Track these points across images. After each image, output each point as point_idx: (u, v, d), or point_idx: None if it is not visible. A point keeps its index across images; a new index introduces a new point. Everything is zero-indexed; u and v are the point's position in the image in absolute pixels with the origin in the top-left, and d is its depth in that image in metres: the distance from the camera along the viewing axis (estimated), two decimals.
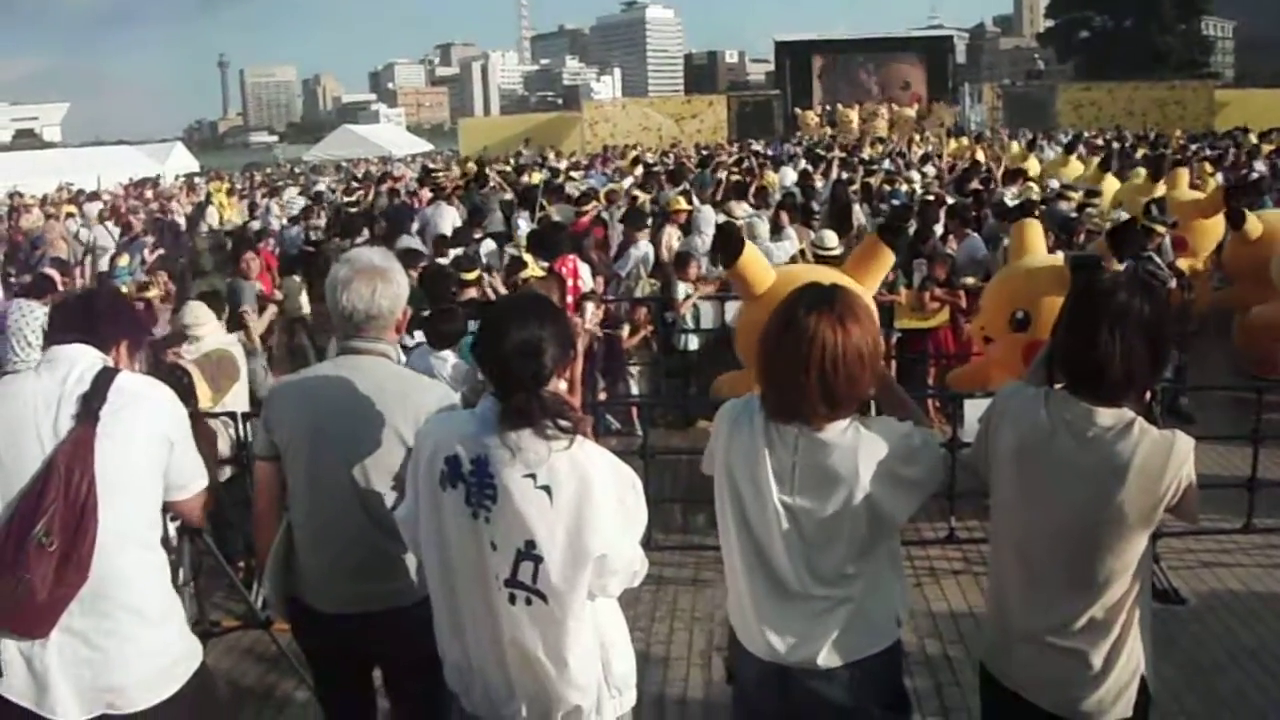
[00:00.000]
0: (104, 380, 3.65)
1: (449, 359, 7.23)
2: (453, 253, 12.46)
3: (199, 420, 5.66)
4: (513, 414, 3.31)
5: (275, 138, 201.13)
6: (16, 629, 3.53)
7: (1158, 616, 6.68)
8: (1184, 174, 16.82)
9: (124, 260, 16.28)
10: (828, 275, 7.98)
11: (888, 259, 8.66)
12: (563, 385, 3.53)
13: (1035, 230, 9.32)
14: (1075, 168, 22.23)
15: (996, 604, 3.75)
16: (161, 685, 3.70)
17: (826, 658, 3.45)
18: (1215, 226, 14.01)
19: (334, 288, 4.16)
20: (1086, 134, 41.08)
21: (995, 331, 8.77)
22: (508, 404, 3.32)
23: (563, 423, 3.28)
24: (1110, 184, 18.70)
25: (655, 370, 12.10)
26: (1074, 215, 13.89)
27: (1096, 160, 21.82)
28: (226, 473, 7.38)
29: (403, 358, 4.24)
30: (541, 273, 10.32)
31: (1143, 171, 18.63)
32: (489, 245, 14.58)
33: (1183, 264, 13.09)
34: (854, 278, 8.05)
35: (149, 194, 35.02)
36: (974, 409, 7.43)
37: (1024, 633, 3.57)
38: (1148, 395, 3.62)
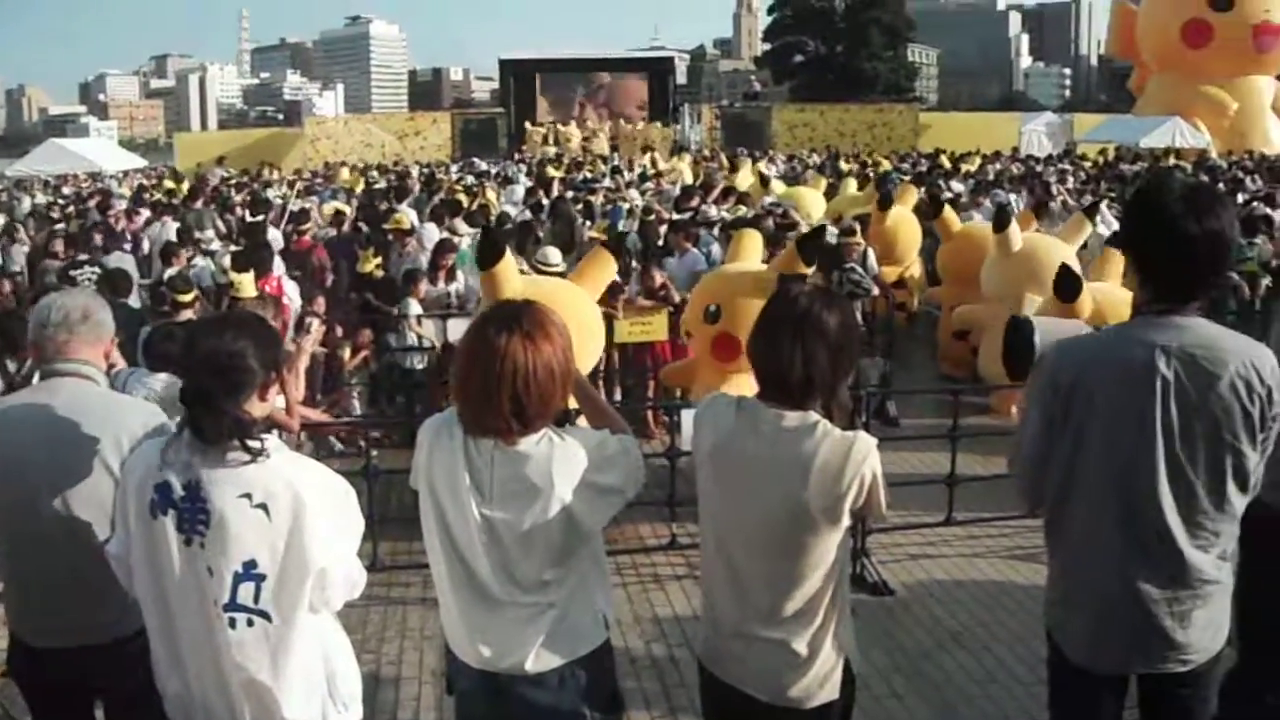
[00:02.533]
0: None
1: (160, 380, 7.05)
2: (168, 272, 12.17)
3: None
4: (209, 432, 3.30)
5: None
6: None
7: (868, 607, 7.15)
8: (912, 189, 17.76)
9: None
10: (566, 286, 8.25)
11: (611, 267, 8.97)
12: (276, 403, 3.54)
13: (753, 239, 10.18)
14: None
15: (708, 602, 3.87)
16: None
17: (534, 663, 3.51)
18: (914, 234, 14.98)
19: (38, 309, 4.08)
20: (800, 154, 42.72)
21: (693, 325, 9.40)
22: (204, 422, 3.31)
23: (252, 443, 3.28)
24: (816, 199, 19.59)
25: (378, 390, 12.06)
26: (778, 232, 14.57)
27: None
28: None
29: (103, 381, 4.11)
30: (254, 293, 10.17)
31: (853, 183, 19.61)
32: (200, 263, 14.23)
33: (892, 272, 13.87)
34: (583, 287, 8.50)
35: None
36: (691, 418, 7.68)
37: (733, 628, 3.70)
38: (850, 399, 3.82)
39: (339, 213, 18.49)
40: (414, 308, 11.74)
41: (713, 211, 17.24)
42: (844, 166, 31.33)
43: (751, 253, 10.06)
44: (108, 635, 3.97)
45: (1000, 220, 12.42)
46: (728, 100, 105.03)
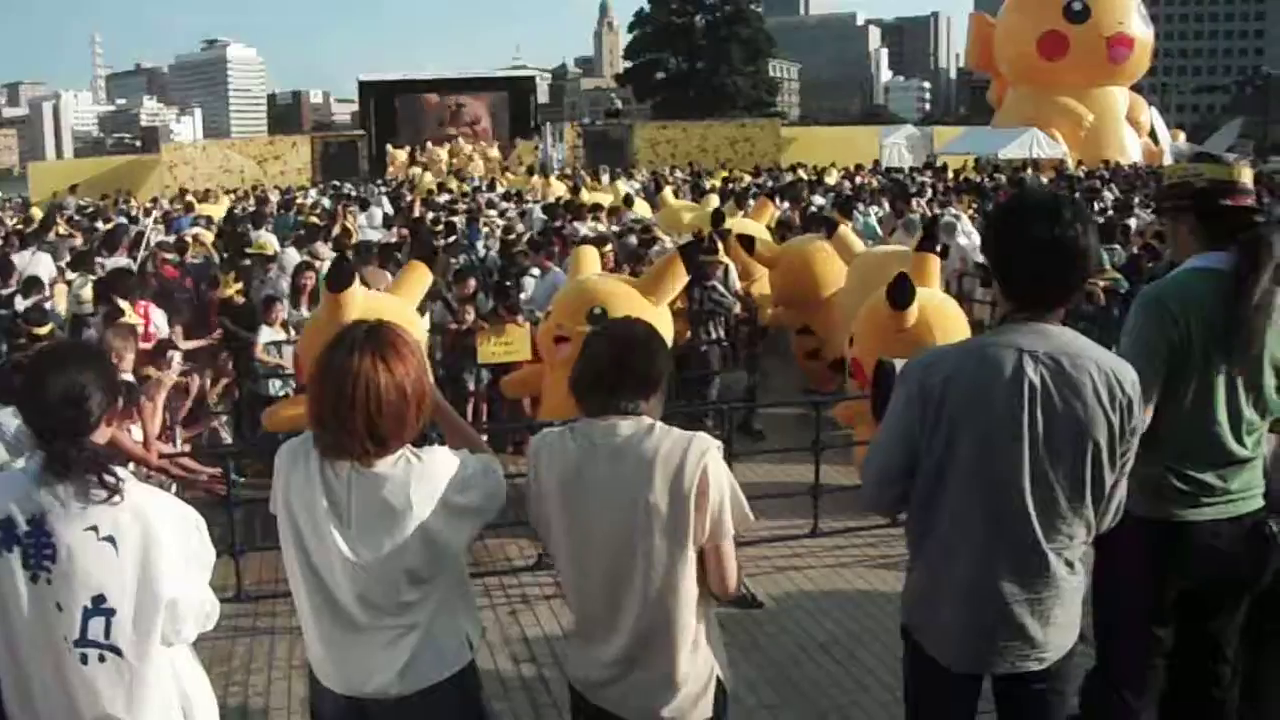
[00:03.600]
0: None
1: (8, 420, 6.83)
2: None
3: None
4: (55, 465, 3.24)
5: None
6: None
7: (737, 620, 7.19)
8: (768, 205, 18.08)
9: None
10: (401, 304, 8.27)
11: (682, 276, 9.75)
12: (126, 432, 3.47)
13: (590, 255, 11.10)
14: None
15: (576, 627, 3.87)
16: None
17: (399, 685, 3.50)
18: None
19: None
20: (662, 170, 42.94)
21: (568, 331, 9.53)
22: (49, 455, 3.25)
23: (107, 477, 3.23)
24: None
25: (240, 417, 11.86)
26: (640, 248, 14.87)
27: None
28: None
29: None
30: (135, 319, 9.98)
31: (715, 200, 19.83)
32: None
33: (754, 289, 14.02)
34: (650, 295, 9.52)
35: None
36: None
37: (600, 651, 3.69)
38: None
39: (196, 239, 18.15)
40: (267, 334, 11.56)
41: (582, 229, 17.30)
42: (707, 184, 31.46)
43: (590, 267, 10.65)
44: None
45: (830, 227, 12.73)
46: (590, 118, 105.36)
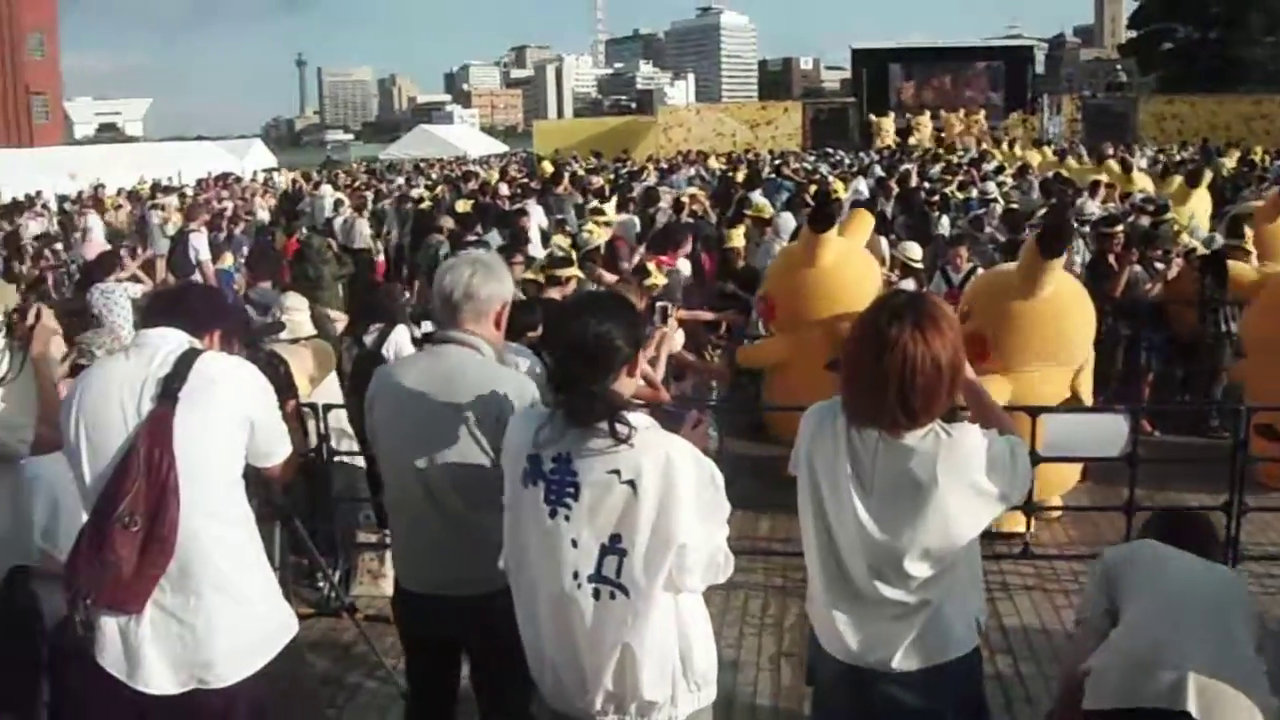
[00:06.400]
0: (185, 362, 3.71)
1: (526, 356, 7.19)
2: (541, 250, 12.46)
3: (290, 406, 5.73)
4: (580, 414, 3.34)
5: (351, 136, 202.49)
6: (110, 605, 3.62)
7: None
8: None
9: (227, 260, 16.42)
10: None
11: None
12: (636, 382, 3.54)
13: (863, 220, 10.11)
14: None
15: None
16: (249, 660, 3.77)
17: (902, 661, 3.46)
18: None
19: (439, 274, 4.29)
20: (1169, 148, 40.46)
21: None
22: (575, 404, 3.36)
23: (620, 426, 3.29)
24: (1200, 200, 17.27)
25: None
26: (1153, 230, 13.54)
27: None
28: None
29: (488, 351, 4.24)
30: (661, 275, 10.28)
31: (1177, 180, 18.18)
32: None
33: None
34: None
35: (236, 189, 35.63)
36: (1054, 423, 7.38)
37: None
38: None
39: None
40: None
41: (1090, 208, 16.29)
42: (1225, 163, 29.16)
43: (860, 233, 9.79)
44: (474, 589, 4.10)
45: None
46: (1089, 91, 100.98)
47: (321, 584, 7.31)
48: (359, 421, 7.09)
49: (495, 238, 14.17)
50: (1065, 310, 8.14)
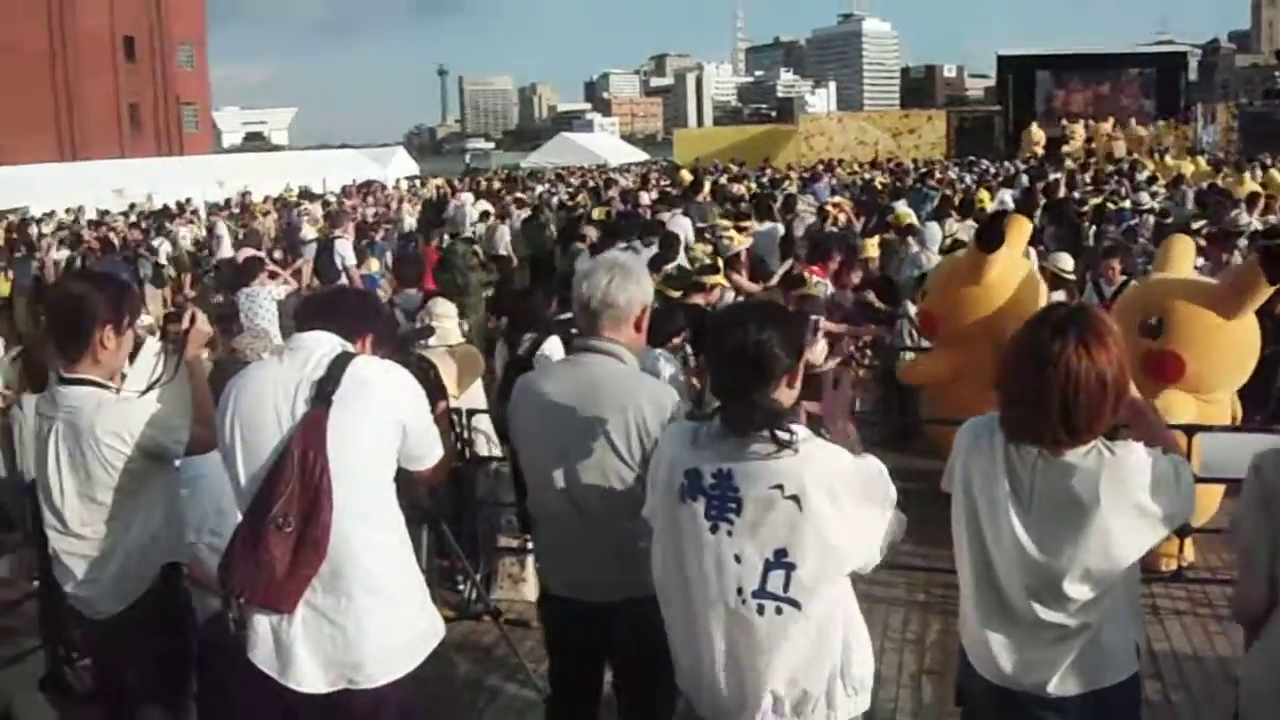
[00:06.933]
0: (339, 365, 3.73)
1: (669, 362, 7.16)
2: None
3: (440, 408, 5.79)
4: (736, 420, 3.31)
5: (491, 145, 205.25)
6: (263, 604, 3.67)
7: None
8: None
9: (372, 266, 16.71)
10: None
11: (1262, 287, 7.69)
12: (794, 394, 3.49)
13: (1184, 245, 8.91)
14: None
15: None
16: (399, 662, 3.80)
17: (1058, 685, 3.37)
18: None
19: (576, 281, 4.27)
20: None
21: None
22: (734, 413, 3.32)
23: (781, 434, 3.24)
24: None
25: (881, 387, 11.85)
26: None
27: None
28: None
29: (629, 359, 4.23)
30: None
31: None
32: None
33: None
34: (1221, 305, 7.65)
35: (380, 196, 36.43)
36: (1211, 442, 7.09)
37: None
38: None
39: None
40: (910, 309, 11.50)
41: (1245, 219, 15.62)
42: None
43: (1182, 260, 8.76)
44: (618, 594, 4.09)
45: None
46: (1246, 98, 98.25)
47: (462, 587, 7.39)
48: (504, 427, 7.18)
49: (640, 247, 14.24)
50: (1252, 333, 7.78)
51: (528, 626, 6.80)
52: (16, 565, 7.51)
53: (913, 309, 11.16)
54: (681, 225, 17.00)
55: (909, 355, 11.09)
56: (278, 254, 18.77)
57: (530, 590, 7.54)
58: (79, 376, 4.27)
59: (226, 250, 21.82)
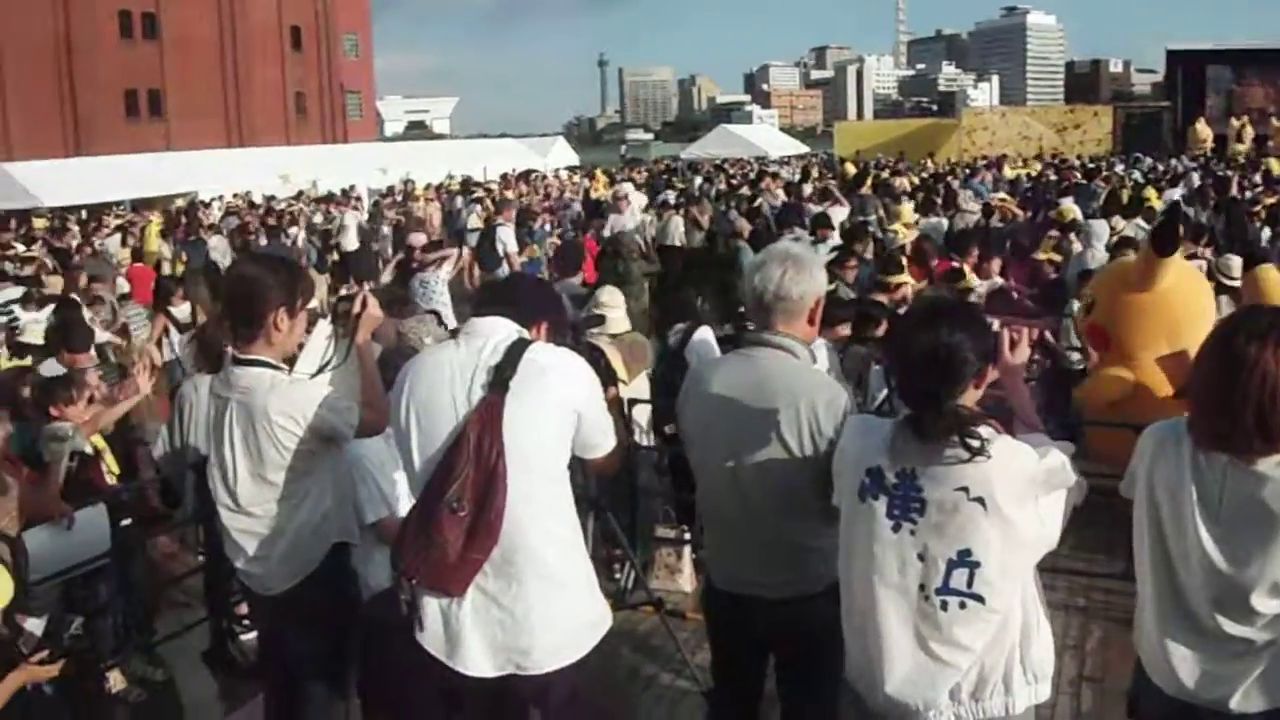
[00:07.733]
0: (517, 351, 3.76)
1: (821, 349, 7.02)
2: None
3: (611, 394, 5.82)
4: (929, 427, 3.28)
5: (651, 135, 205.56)
6: (434, 586, 3.73)
7: None
8: None
9: (536, 251, 16.88)
10: None
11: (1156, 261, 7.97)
12: (979, 395, 3.45)
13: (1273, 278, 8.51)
14: None
15: None
16: (566, 650, 3.83)
17: (1241, 701, 3.25)
18: None
19: (748, 273, 4.24)
20: None
21: None
22: (924, 417, 3.29)
23: (972, 441, 3.20)
24: None
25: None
26: None
27: None
28: None
29: (802, 354, 4.19)
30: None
31: None
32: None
33: None
34: None
35: (551, 183, 36.88)
36: None
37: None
38: None
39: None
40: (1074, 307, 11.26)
41: None
42: None
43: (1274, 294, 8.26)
44: (786, 591, 4.08)
45: None
46: None
47: (619, 575, 7.42)
48: (661, 419, 7.18)
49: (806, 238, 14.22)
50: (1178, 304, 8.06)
51: (683, 618, 6.82)
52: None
53: (1076, 306, 10.95)
54: (837, 215, 16.90)
55: (1074, 355, 10.86)
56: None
57: (686, 581, 7.57)
58: (253, 358, 4.37)
59: (351, 242, 22.32)
